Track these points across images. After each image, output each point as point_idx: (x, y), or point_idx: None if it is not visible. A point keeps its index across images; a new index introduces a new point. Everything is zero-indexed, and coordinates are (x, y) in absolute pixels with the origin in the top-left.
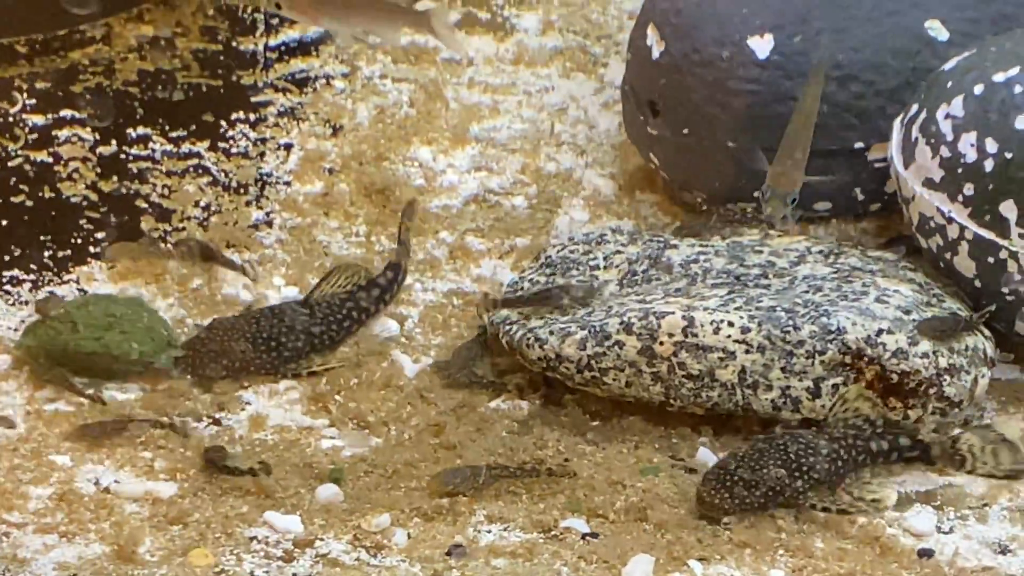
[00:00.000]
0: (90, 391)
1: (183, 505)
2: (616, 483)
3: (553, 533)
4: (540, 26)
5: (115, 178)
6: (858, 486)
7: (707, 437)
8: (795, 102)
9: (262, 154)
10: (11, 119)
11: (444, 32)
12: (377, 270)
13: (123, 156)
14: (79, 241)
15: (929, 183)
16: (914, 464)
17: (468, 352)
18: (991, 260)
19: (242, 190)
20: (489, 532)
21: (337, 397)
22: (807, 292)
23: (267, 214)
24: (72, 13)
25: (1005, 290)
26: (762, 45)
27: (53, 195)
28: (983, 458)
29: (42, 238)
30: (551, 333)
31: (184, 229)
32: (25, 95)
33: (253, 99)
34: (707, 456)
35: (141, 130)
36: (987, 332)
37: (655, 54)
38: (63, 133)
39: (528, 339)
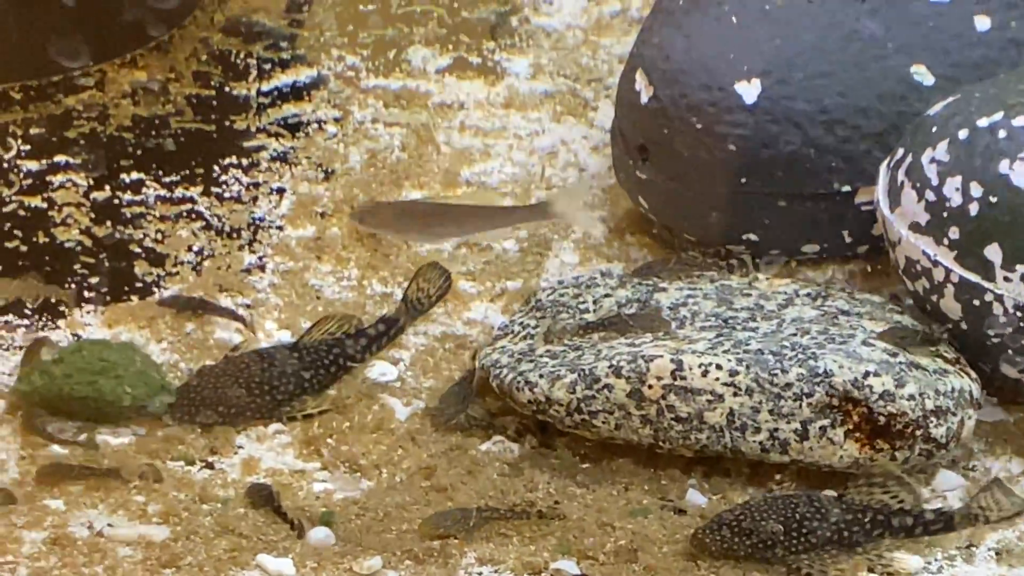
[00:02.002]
0: (68, 436)
1: (176, 548)
2: (606, 525)
3: (543, 575)
4: (531, 70)
5: (109, 223)
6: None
7: (696, 479)
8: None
9: (255, 198)
10: (5, 164)
11: (572, 215)
12: (368, 314)
13: (116, 201)
14: (73, 286)
15: (915, 227)
16: (937, 535)
17: (458, 395)
18: (976, 303)
19: (235, 234)
20: (480, 574)
21: (329, 440)
22: (795, 335)
23: (260, 258)
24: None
25: (990, 333)
26: (749, 90)
27: (47, 240)
28: (990, 507)
29: (35, 283)
30: (541, 376)
31: (177, 274)
32: (19, 140)
33: (246, 144)
34: (696, 498)
35: (135, 175)
36: (973, 374)
37: (644, 99)
38: (57, 179)
39: (518, 382)
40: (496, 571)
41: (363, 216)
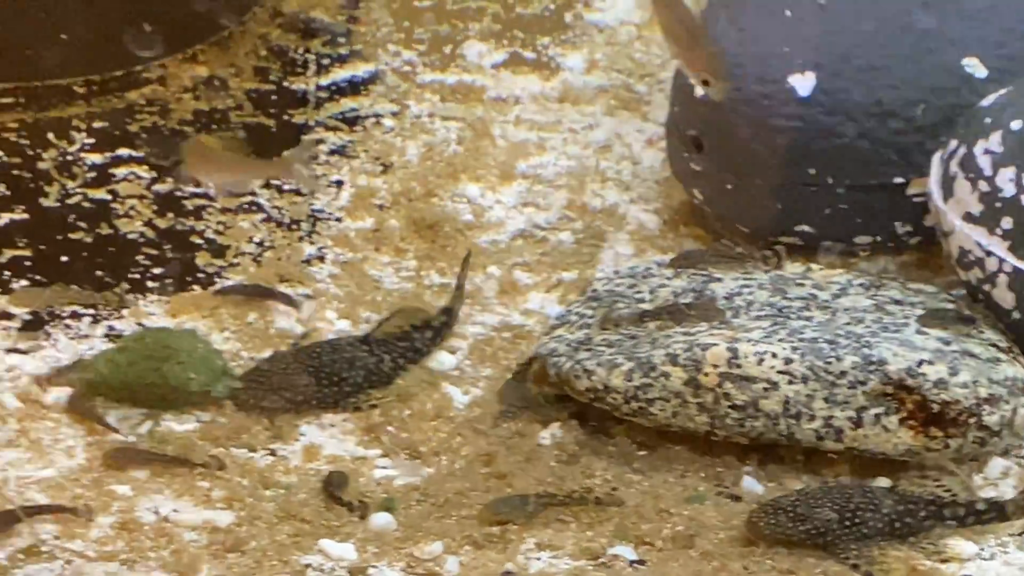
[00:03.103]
0: (132, 424)
1: (240, 533)
2: (663, 511)
3: (601, 560)
4: (585, 65)
5: (171, 215)
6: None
7: (752, 466)
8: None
9: (314, 191)
10: (70, 158)
11: (300, 173)
12: (427, 304)
13: (178, 194)
14: (137, 276)
15: (968, 217)
16: (989, 524)
17: (516, 383)
18: None
19: (295, 226)
20: (539, 559)
21: (389, 428)
22: (849, 324)
23: (319, 249)
24: (136, 54)
25: None
26: (803, 83)
27: (111, 232)
28: None
29: (100, 273)
30: (599, 364)
31: (239, 265)
32: (83, 134)
33: (305, 137)
34: (752, 485)
35: None
36: None
37: (699, 91)
38: (120, 171)
39: (576, 370)
40: (554, 557)
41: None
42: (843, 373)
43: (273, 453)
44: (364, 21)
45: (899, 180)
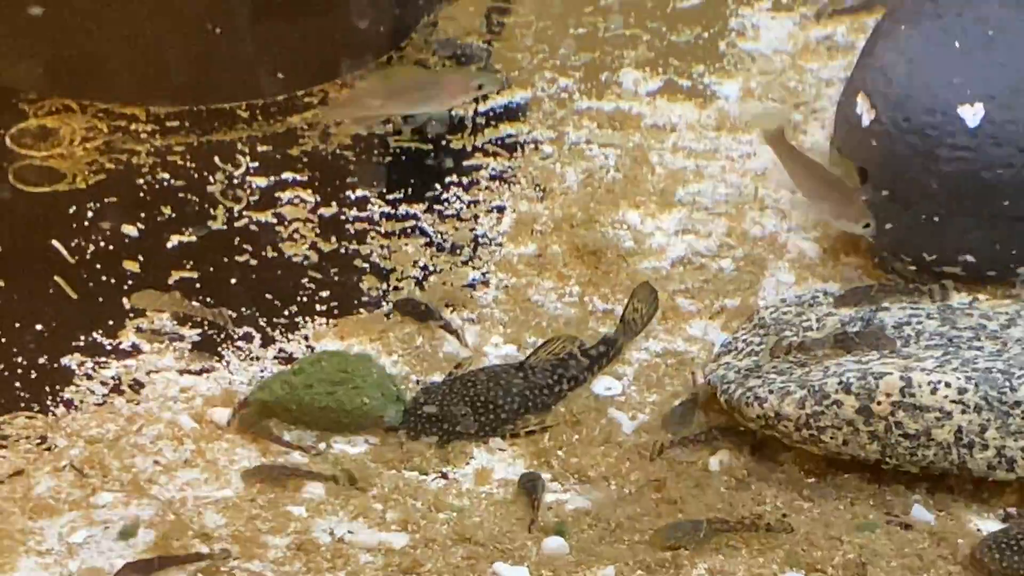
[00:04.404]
0: (306, 445)
1: (415, 555)
2: (834, 538)
3: None
4: (740, 93)
5: (335, 239)
6: None
7: (920, 495)
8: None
9: (475, 216)
10: (235, 181)
11: (484, 76)
12: (591, 330)
13: (343, 217)
14: (304, 299)
15: None
16: None
17: (683, 412)
18: None
19: (457, 251)
20: None
21: (559, 453)
22: (1022, 354)
23: (483, 274)
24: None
25: None
26: (972, 114)
27: (276, 254)
28: None
29: (268, 296)
30: (770, 392)
31: (403, 288)
32: (248, 158)
33: (464, 163)
34: (922, 514)
35: (359, 192)
36: None
37: (865, 121)
38: (285, 195)
39: (748, 397)
40: None
41: None
42: (1018, 403)
43: (445, 476)
44: (519, 48)
45: None
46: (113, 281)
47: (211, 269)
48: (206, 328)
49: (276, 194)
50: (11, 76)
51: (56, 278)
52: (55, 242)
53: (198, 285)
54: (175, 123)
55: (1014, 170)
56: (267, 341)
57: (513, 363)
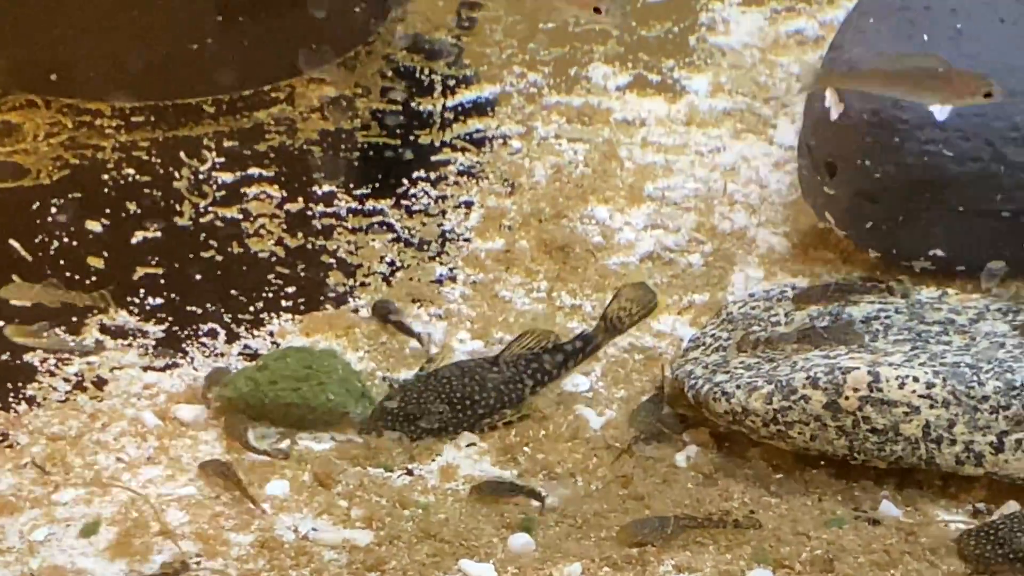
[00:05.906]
0: (269, 444)
1: (380, 552)
2: (801, 534)
3: None
4: (710, 88)
5: (301, 234)
6: None
7: (889, 490)
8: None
9: (443, 212)
10: (201, 176)
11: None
12: (558, 325)
13: (309, 213)
14: (270, 295)
15: None
16: None
17: (649, 406)
18: None
19: (425, 246)
20: None
21: (525, 448)
22: (990, 348)
23: (450, 270)
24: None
25: None
26: (940, 108)
27: (241, 250)
28: None
29: (233, 292)
30: (737, 387)
31: (370, 284)
32: (214, 153)
33: (432, 158)
34: (890, 509)
35: (326, 188)
36: None
37: (834, 115)
38: (251, 190)
39: (715, 393)
40: None
41: None
42: (985, 398)
43: (410, 473)
44: (488, 42)
45: None
46: (77, 277)
47: (176, 265)
48: (170, 324)
49: (242, 190)
50: None
51: (14, 278)
52: (12, 241)
53: (163, 281)
54: (140, 118)
55: (982, 164)
56: (232, 337)
57: (487, 358)
